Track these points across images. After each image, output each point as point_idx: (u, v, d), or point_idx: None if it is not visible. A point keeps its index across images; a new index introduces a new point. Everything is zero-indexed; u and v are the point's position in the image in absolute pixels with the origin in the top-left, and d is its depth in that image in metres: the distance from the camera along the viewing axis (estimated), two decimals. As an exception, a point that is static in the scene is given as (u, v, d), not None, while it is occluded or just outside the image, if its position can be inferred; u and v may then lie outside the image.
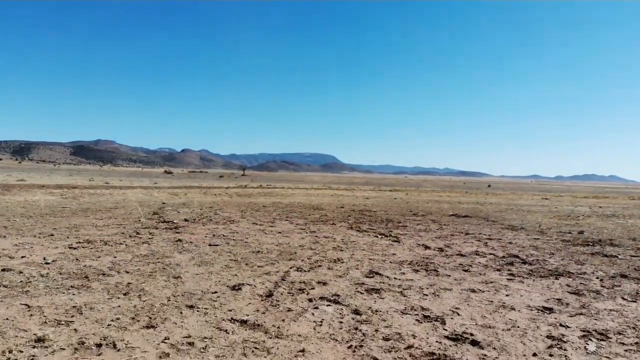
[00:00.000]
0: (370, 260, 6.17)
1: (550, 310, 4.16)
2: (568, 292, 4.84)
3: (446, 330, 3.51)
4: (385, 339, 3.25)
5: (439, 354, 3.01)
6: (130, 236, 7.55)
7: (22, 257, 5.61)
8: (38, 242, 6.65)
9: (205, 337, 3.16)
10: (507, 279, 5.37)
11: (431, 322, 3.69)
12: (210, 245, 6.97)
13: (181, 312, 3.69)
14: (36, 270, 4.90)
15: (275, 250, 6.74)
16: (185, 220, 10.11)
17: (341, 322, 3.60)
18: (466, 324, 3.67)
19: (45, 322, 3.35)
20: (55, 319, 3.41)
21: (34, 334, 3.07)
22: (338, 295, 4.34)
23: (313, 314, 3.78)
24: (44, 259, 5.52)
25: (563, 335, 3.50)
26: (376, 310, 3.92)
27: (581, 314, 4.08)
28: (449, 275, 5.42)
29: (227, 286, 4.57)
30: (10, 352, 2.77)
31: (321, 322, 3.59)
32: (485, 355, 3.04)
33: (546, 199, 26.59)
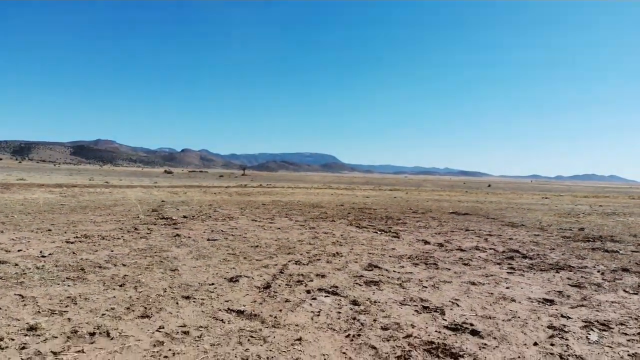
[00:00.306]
0: (369, 255, 6.12)
1: (551, 302, 4.11)
2: (569, 284, 4.79)
3: (445, 320, 3.46)
4: (384, 329, 3.20)
5: (438, 342, 2.96)
6: (128, 231, 7.50)
7: (19, 250, 5.56)
8: (35, 237, 6.60)
9: (201, 327, 3.11)
10: (508, 272, 5.32)
11: (430, 312, 3.64)
12: (208, 240, 6.92)
13: (177, 303, 3.64)
14: (32, 263, 4.85)
15: (274, 245, 6.69)
16: (184, 217, 10.06)
17: (339, 313, 3.55)
18: (466, 314, 3.62)
19: (39, 311, 3.30)
20: (49, 309, 3.36)
21: (27, 323, 3.03)
22: (336, 287, 4.29)
23: (311, 304, 3.74)
24: (41, 252, 5.47)
25: (564, 325, 3.45)
26: (375, 301, 3.87)
27: (582, 305, 4.03)
28: (449, 269, 5.36)
29: (225, 278, 4.52)
30: (1, 339, 2.73)
31: (319, 312, 3.55)
32: (485, 344, 2.99)
33: (546, 198, 26.52)
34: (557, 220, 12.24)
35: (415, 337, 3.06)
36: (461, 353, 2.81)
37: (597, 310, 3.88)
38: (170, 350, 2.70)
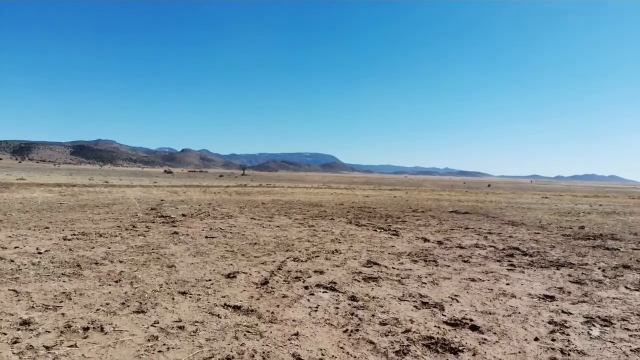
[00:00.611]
0: (368, 252, 6.08)
1: (552, 298, 4.07)
2: (570, 281, 4.74)
3: (445, 316, 3.41)
4: (382, 324, 3.16)
5: (438, 337, 2.92)
6: (126, 229, 7.46)
7: (15, 247, 5.52)
8: (32, 234, 6.56)
9: (197, 321, 3.07)
10: (508, 269, 5.27)
11: (429, 308, 3.59)
12: (206, 237, 6.87)
13: (173, 298, 3.60)
14: (28, 259, 4.81)
15: (272, 242, 6.65)
16: (183, 215, 10.01)
17: (337, 308, 3.50)
18: (466, 310, 3.58)
19: (33, 306, 3.26)
20: (43, 304, 3.32)
21: (20, 318, 2.98)
22: (335, 283, 4.25)
23: (308, 300, 3.69)
24: (37, 249, 5.43)
25: (565, 321, 3.40)
26: (373, 297, 3.82)
27: (584, 301, 3.99)
28: (448, 266, 5.32)
29: (222, 274, 4.48)
30: (-7, 334, 2.68)
31: (317, 307, 3.50)
32: (485, 339, 2.95)
33: (546, 198, 26.47)
34: (557, 219, 12.19)
35: (414, 332, 3.01)
36: (461, 348, 2.76)
37: (599, 306, 3.84)
38: (164, 344, 2.66)
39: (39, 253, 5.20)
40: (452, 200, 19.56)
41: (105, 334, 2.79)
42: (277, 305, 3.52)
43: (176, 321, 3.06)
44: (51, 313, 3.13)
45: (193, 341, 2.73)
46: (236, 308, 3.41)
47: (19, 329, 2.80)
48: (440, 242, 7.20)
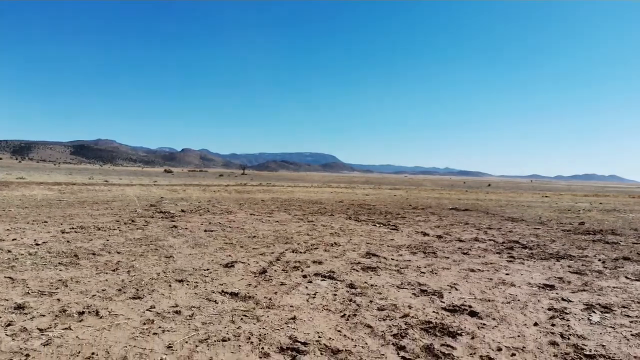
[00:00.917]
0: (367, 244, 6.05)
1: (552, 287, 4.04)
2: (570, 272, 4.71)
3: (443, 302, 3.38)
4: (380, 309, 3.13)
5: (436, 322, 2.89)
6: (125, 223, 7.43)
7: (13, 239, 5.49)
8: (30, 228, 6.53)
9: (193, 306, 3.04)
10: (507, 260, 5.24)
11: (428, 295, 3.57)
12: (205, 231, 6.84)
13: (170, 285, 3.57)
14: (25, 250, 4.79)
15: (271, 235, 6.62)
16: (182, 211, 9.99)
17: (335, 295, 3.48)
18: (465, 297, 3.55)
19: (28, 292, 3.23)
20: (39, 290, 3.29)
21: (15, 302, 2.96)
22: (333, 272, 4.22)
23: (307, 287, 3.67)
24: (35, 241, 5.41)
25: (565, 308, 3.37)
26: (372, 285, 3.80)
27: (584, 290, 3.96)
28: (448, 257, 5.29)
29: (220, 264, 4.45)
30: (-13, 317, 2.66)
31: (315, 294, 3.47)
32: (484, 324, 2.92)
33: (546, 196, 26.43)
34: (558, 216, 12.16)
35: (412, 317, 2.99)
36: (459, 332, 2.74)
37: (599, 295, 3.81)
38: (160, 327, 2.63)
39: (37, 244, 5.17)
40: (452, 199, 19.53)
41: (101, 317, 2.77)
42: (275, 292, 3.49)
43: (172, 306, 3.04)
44: (46, 298, 3.11)
45: (189, 325, 2.70)
46: (233, 295, 3.38)
47: (13, 313, 2.78)
48: (439, 236, 7.17)
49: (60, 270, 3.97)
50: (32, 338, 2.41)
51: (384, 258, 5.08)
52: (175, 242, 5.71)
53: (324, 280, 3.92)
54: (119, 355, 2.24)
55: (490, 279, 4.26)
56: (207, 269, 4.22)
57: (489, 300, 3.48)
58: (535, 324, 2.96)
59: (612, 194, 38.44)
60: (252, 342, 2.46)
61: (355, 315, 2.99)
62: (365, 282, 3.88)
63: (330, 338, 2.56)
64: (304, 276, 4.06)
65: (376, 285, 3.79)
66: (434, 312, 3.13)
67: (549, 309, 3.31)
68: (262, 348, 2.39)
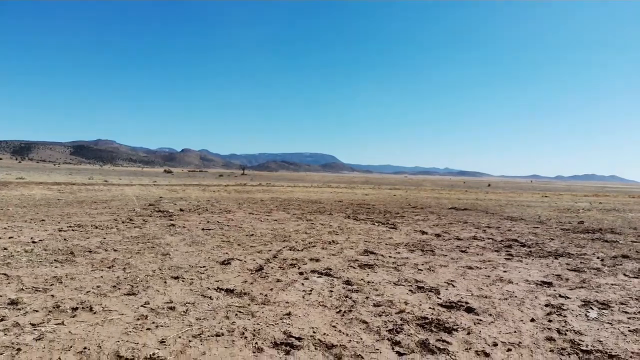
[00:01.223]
0: (365, 242, 6.03)
1: (550, 284, 4.02)
2: (568, 269, 4.69)
3: (440, 299, 3.36)
4: (376, 305, 3.11)
5: (432, 318, 2.87)
6: (122, 222, 7.41)
7: (10, 237, 5.47)
8: (28, 226, 6.52)
9: (188, 302, 3.02)
10: (505, 258, 5.22)
11: (425, 292, 3.54)
12: (203, 229, 6.83)
13: (165, 282, 3.55)
14: (21, 247, 4.77)
15: (269, 234, 6.60)
16: (181, 210, 9.97)
17: (331, 291, 3.46)
18: (461, 294, 3.53)
19: (22, 289, 3.22)
20: (33, 287, 3.27)
21: (8, 298, 2.94)
22: (330, 269, 4.20)
23: (303, 284, 3.65)
24: (31, 238, 5.39)
25: (562, 304, 3.35)
26: (368, 282, 3.78)
27: (582, 287, 3.94)
28: (445, 255, 5.27)
29: (217, 262, 4.43)
30: (-20, 312, 2.64)
31: (310, 291, 3.45)
32: (480, 320, 2.90)
33: (546, 196, 26.40)
34: (557, 215, 12.13)
35: (408, 312, 2.97)
36: (455, 327, 2.72)
37: (597, 292, 3.79)
38: (153, 323, 2.61)
39: (33, 242, 5.15)
40: (452, 199, 19.50)
41: (94, 313, 2.75)
42: (271, 289, 3.47)
43: (167, 302, 3.02)
44: (40, 295, 3.09)
45: (183, 320, 2.68)
46: (229, 291, 3.36)
47: (6, 308, 2.76)
48: (438, 235, 7.15)
49: (56, 267, 3.95)
50: (24, 333, 2.39)
51: (382, 256, 5.06)
52: (172, 240, 5.69)
53: (320, 277, 3.90)
54: (111, 349, 2.22)
55: (488, 276, 4.24)
56: (204, 266, 4.20)
57: (486, 297, 3.46)
58: (532, 320, 2.94)
59: (612, 193, 38.41)
60: (245, 337, 2.44)
61: (350, 311, 2.97)
62: (362, 279, 3.86)
63: (324, 333, 2.54)
64: (301, 273, 4.04)
65: (373, 282, 3.77)
66: (430, 308, 3.11)
67: (546, 306, 3.29)
68: (256, 343, 2.37)
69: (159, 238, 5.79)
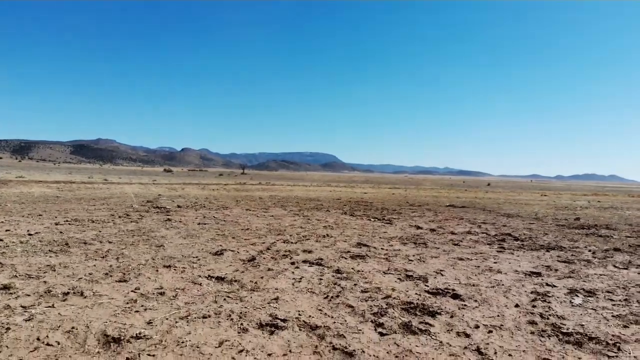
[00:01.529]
0: (359, 236, 6.07)
1: (538, 274, 4.06)
2: (558, 260, 4.73)
3: (427, 286, 3.41)
4: (364, 292, 3.16)
5: (417, 303, 2.91)
6: (119, 217, 7.46)
7: (6, 230, 5.53)
8: (25, 220, 6.57)
9: (178, 288, 3.07)
10: (497, 251, 5.26)
11: (413, 280, 3.59)
12: (199, 224, 6.87)
13: (157, 270, 3.60)
14: (17, 239, 4.82)
15: (264, 228, 6.64)
16: (178, 206, 10.01)
17: (321, 279, 3.50)
18: (449, 282, 3.57)
19: (16, 275, 3.27)
20: (26, 274, 3.32)
21: (1, 284, 2.99)
22: (321, 259, 4.25)
23: (293, 272, 3.69)
24: (28, 231, 5.44)
25: (548, 292, 3.40)
26: (358, 271, 3.82)
27: (570, 277, 3.98)
28: (438, 248, 5.31)
29: (210, 253, 4.48)
30: (-28, 296, 2.69)
31: (300, 279, 3.50)
32: (465, 305, 2.94)
33: (545, 195, 26.42)
34: (554, 212, 12.16)
35: (394, 298, 3.01)
36: (439, 311, 2.76)
37: (584, 281, 3.83)
38: (142, 306, 2.66)
39: (29, 234, 5.20)
40: (451, 198, 19.52)
41: (85, 297, 2.80)
42: (262, 277, 3.52)
43: (157, 288, 3.06)
44: (33, 281, 3.14)
45: (171, 304, 2.73)
46: (219, 279, 3.41)
47: (-2, 292, 2.80)
48: (432, 230, 7.19)
49: (50, 257, 4.00)
50: (14, 314, 2.44)
51: (374, 248, 5.10)
52: (168, 233, 5.74)
53: (311, 266, 3.95)
54: (98, 329, 2.26)
55: (478, 266, 4.28)
56: (196, 257, 4.25)
57: (473, 285, 3.50)
58: (517, 306, 2.98)
59: (611, 193, 38.39)
60: (232, 319, 2.49)
61: (338, 296, 3.01)
62: (352, 268, 3.90)
63: (310, 316, 2.59)
64: (292, 263, 4.09)
65: (363, 271, 3.81)
66: (416, 294, 3.15)
67: (532, 293, 3.34)
68: (242, 324, 2.42)
69: (154, 231, 5.84)
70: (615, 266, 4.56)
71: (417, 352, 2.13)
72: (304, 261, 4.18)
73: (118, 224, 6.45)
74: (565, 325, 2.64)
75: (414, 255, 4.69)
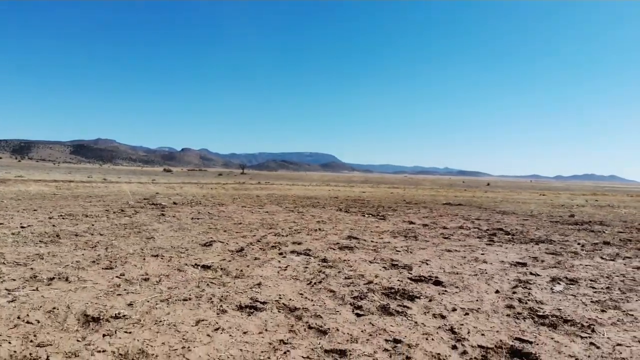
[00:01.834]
0: (351, 230, 6.11)
1: (524, 264, 4.09)
2: (546, 252, 4.76)
3: (411, 274, 3.44)
4: (347, 278, 3.19)
5: (398, 288, 2.95)
6: (114, 212, 7.50)
7: (0, 224, 5.56)
8: (19, 215, 6.60)
9: (162, 274, 3.11)
10: (487, 244, 5.29)
11: (398, 269, 3.62)
12: (192, 219, 6.90)
13: (144, 259, 3.63)
14: (9, 231, 4.85)
15: (257, 222, 6.68)
16: (174, 203, 10.05)
17: (306, 268, 3.54)
18: (433, 271, 3.60)
19: (3, 262, 3.30)
20: (14, 261, 3.36)
21: (-12, 269, 3.03)
22: (310, 250, 4.28)
23: (279, 261, 3.72)
24: (20, 224, 5.47)
25: (531, 280, 3.43)
26: (345, 260, 3.86)
27: (555, 267, 4.01)
28: (427, 241, 5.34)
29: (199, 244, 4.51)
30: (-42, 280, 2.72)
31: (286, 267, 3.53)
32: (445, 291, 2.98)
33: (543, 195, 26.44)
34: (550, 210, 12.19)
35: (376, 284, 3.04)
36: (418, 296, 2.79)
37: (569, 271, 3.86)
38: (125, 290, 2.70)
39: (22, 227, 5.24)
40: (449, 197, 19.53)
41: (69, 282, 2.84)
42: (247, 266, 3.55)
43: (142, 275, 3.10)
44: (20, 267, 3.18)
45: (154, 288, 2.77)
46: (205, 267, 3.44)
47: (-16, 277, 2.84)
48: (425, 225, 7.22)
49: (40, 247, 4.03)
50: (-2, 296, 2.47)
51: (364, 240, 5.14)
52: (160, 226, 5.77)
53: (298, 256, 3.98)
54: (79, 310, 2.30)
55: (464, 257, 4.31)
56: (185, 248, 4.29)
57: (457, 273, 3.53)
58: (497, 292, 3.02)
59: (610, 193, 38.38)
60: (212, 302, 2.53)
61: (320, 282, 3.05)
62: (339, 258, 3.94)
63: (290, 299, 2.63)
64: (280, 253, 4.12)
65: (349, 260, 3.85)
66: (398, 280, 3.19)
67: (514, 280, 3.37)
68: (221, 306, 2.45)
69: (146, 225, 5.87)
70: (602, 258, 4.59)
71: (391, 331, 2.16)
72: (292, 252, 4.21)
73: (112, 219, 6.48)
74: (542, 309, 2.67)
75: (402, 247, 4.73)
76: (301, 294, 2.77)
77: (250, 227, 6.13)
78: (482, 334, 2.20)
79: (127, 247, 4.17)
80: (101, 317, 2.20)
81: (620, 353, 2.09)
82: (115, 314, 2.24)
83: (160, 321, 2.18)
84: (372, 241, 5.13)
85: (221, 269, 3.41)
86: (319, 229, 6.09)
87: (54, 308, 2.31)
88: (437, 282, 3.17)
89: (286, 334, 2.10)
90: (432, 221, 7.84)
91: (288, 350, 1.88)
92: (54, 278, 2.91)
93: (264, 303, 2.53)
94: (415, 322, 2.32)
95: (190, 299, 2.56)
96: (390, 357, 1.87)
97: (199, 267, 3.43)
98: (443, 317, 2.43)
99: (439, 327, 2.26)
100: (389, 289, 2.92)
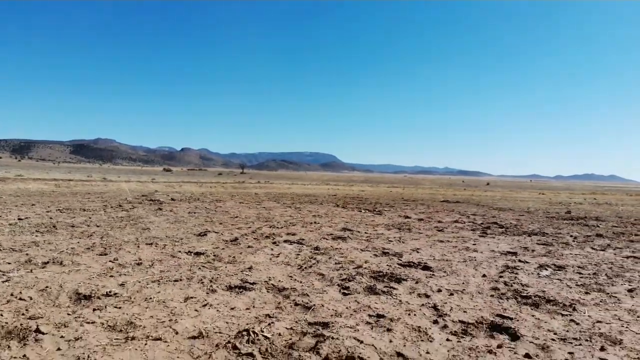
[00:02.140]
0: (346, 223, 6.16)
1: (514, 254, 4.14)
2: (537, 243, 4.81)
3: (401, 261, 3.49)
4: (337, 264, 3.24)
5: (386, 272, 3.00)
6: (111, 207, 7.55)
7: (-2, 217, 5.61)
8: (17, 209, 6.66)
9: (155, 259, 3.16)
10: (480, 235, 5.34)
11: (388, 256, 3.67)
12: (189, 213, 6.96)
13: (138, 247, 3.69)
14: (7, 222, 4.91)
15: (253, 216, 6.73)
16: (172, 199, 10.09)
17: (298, 255, 3.59)
18: (423, 258, 3.65)
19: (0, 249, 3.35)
20: (11, 248, 3.42)
21: (-16, 254, 3.08)
22: (303, 239, 4.33)
23: (272, 249, 3.78)
24: (18, 216, 5.53)
25: (518, 266, 3.48)
26: (337, 248, 3.91)
27: (544, 256, 4.06)
28: (421, 233, 5.39)
29: (194, 234, 4.57)
30: (-47, 263, 2.78)
31: (278, 254, 3.59)
32: (433, 274, 3.03)
33: (542, 194, 26.47)
34: (547, 207, 12.23)
35: (365, 268, 3.10)
36: (405, 278, 2.85)
37: (558, 259, 3.91)
38: (118, 272, 2.75)
39: (19, 219, 5.30)
40: (448, 195, 19.56)
41: (63, 266, 2.89)
42: (240, 253, 3.61)
43: (135, 260, 3.15)
44: (16, 253, 3.23)
45: (146, 272, 2.82)
46: (198, 254, 3.50)
47: (-20, 261, 2.89)
48: (421, 219, 7.27)
49: (36, 236, 4.09)
50: (-8, 277, 2.52)
51: (358, 232, 5.19)
52: (156, 219, 5.83)
53: (291, 244, 4.03)
54: (71, 289, 2.36)
55: (455, 246, 4.36)
56: (180, 238, 4.34)
57: (446, 260, 3.59)
58: (484, 276, 3.07)
59: (610, 192, 38.37)
60: (202, 283, 2.58)
61: (311, 267, 3.10)
62: (331, 246, 3.99)
63: (280, 280, 2.68)
64: (274, 242, 4.18)
65: (341, 249, 3.90)
66: (387, 265, 3.24)
67: (502, 266, 3.42)
68: (211, 287, 2.51)
69: (143, 218, 5.93)
70: (593, 248, 4.63)
71: (375, 308, 2.22)
72: (285, 241, 4.26)
73: (109, 212, 6.54)
74: (526, 291, 2.72)
75: (395, 238, 4.78)
76: (291, 276, 2.82)
77: (246, 220, 6.18)
78: (465, 311, 2.25)
79: (122, 237, 4.23)
80: (92, 295, 2.25)
81: (599, 329, 2.14)
82: (107, 292, 2.30)
83: (150, 298, 2.24)
84: (365, 232, 5.18)
85: (214, 255, 3.46)
86: (315, 222, 6.14)
87: (46, 287, 2.37)
88: (426, 267, 3.23)
89: (273, 310, 2.15)
90: (428, 216, 7.89)
91: (272, 322, 1.94)
92: (48, 262, 2.96)
93: (253, 284, 2.58)
94: (400, 301, 2.37)
95: (181, 280, 2.61)
96: (372, 329, 1.93)
97: (192, 254, 3.48)
98: (427, 296, 2.48)
99: (422, 305, 2.31)
100: (377, 273, 2.98)
